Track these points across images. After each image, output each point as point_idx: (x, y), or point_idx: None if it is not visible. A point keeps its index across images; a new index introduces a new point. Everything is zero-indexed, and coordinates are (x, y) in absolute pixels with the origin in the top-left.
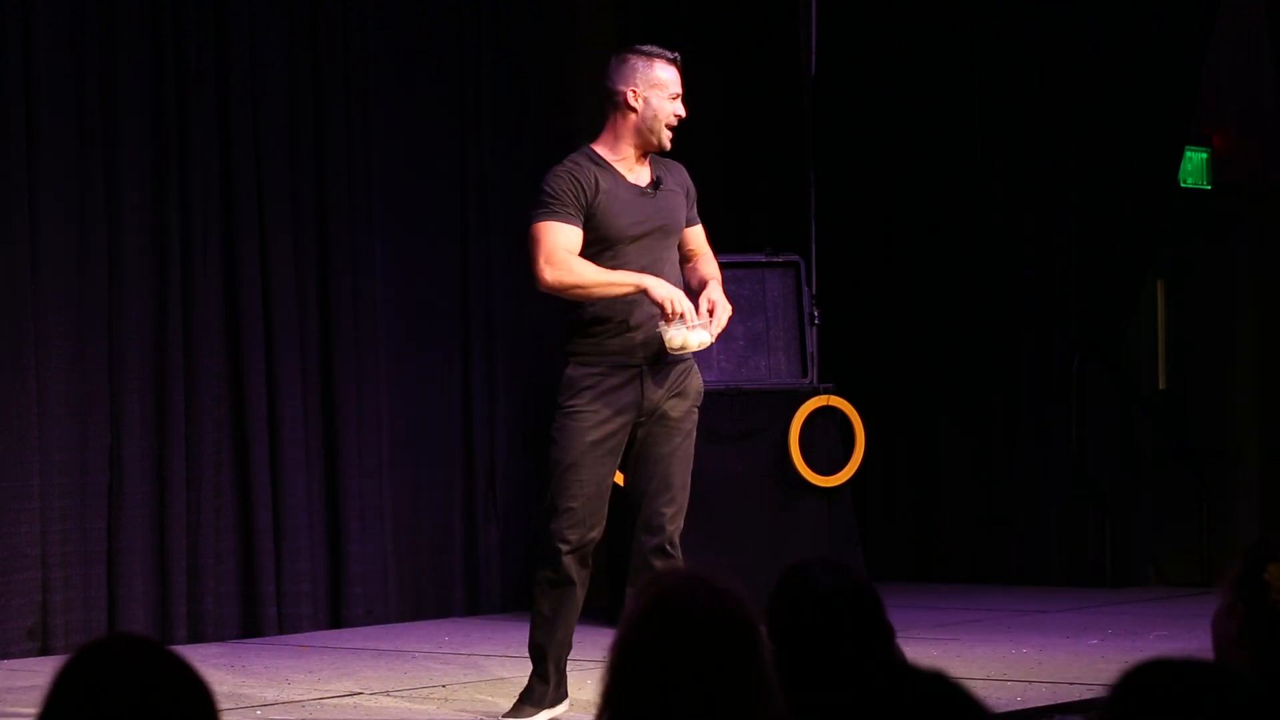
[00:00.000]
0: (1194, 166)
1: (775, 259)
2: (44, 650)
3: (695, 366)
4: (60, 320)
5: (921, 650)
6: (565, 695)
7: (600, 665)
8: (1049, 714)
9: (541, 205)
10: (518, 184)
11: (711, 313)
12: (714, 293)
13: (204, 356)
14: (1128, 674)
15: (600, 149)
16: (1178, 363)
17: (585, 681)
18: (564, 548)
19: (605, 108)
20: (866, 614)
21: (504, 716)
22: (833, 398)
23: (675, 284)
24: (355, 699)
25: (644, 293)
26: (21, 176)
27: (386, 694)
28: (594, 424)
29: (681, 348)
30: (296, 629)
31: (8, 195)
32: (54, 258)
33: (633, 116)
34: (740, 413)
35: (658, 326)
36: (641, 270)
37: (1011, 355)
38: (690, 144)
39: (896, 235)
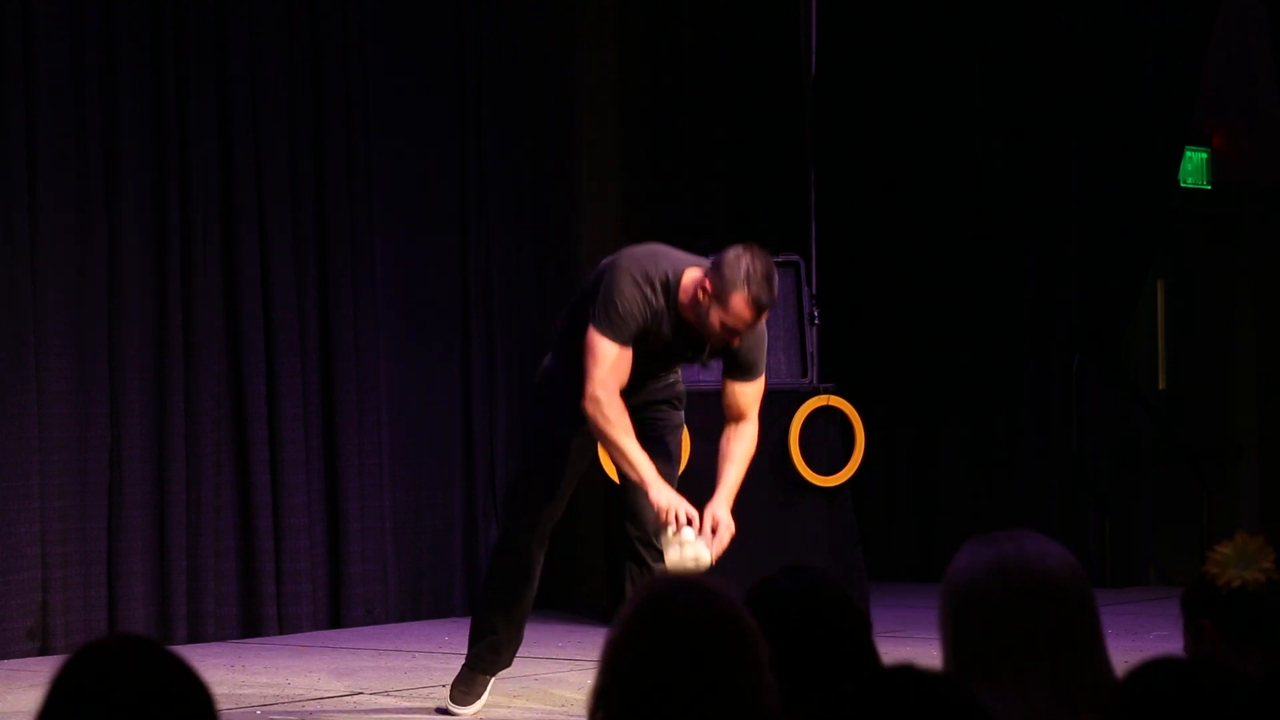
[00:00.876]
0: (1194, 166)
1: (775, 259)
2: (44, 650)
3: (679, 375)
4: (60, 320)
5: (921, 650)
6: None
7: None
8: None
9: (611, 320)
10: (518, 184)
11: (714, 530)
12: (720, 510)
13: (204, 356)
14: (1134, 673)
15: (683, 282)
16: (1178, 363)
17: (586, 681)
18: (530, 531)
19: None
20: (836, 614)
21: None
22: (833, 398)
23: (648, 393)
24: (355, 699)
25: (645, 492)
26: (21, 176)
27: (386, 694)
28: (573, 421)
29: (678, 564)
30: (296, 629)
31: (8, 195)
32: (54, 258)
33: (700, 297)
34: None
35: (661, 535)
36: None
37: (1011, 355)
38: (691, 144)
39: (896, 235)
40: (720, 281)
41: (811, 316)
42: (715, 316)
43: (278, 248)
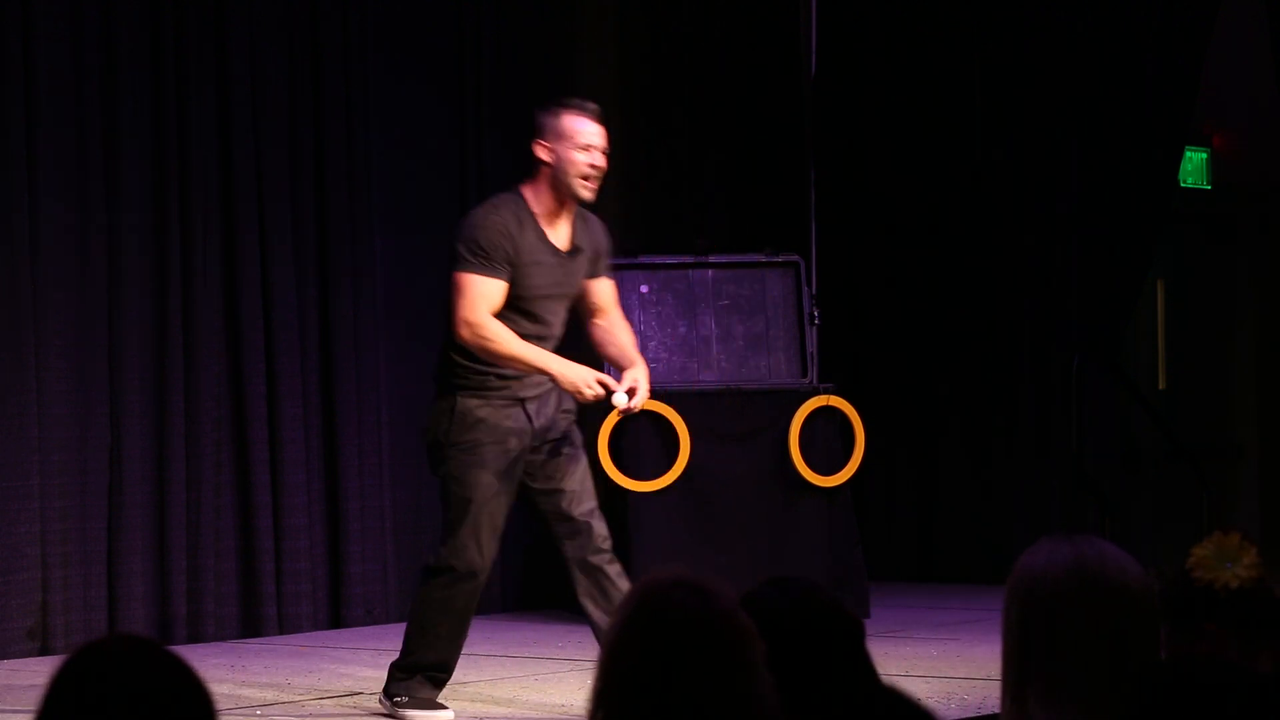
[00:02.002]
0: (1194, 166)
1: (775, 259)
2: (44, 650)
3: None
4: (60, 320)
5: (921, 650)
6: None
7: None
8: None
9: (471, 256)
10: (518, 184)
11: (632, 394)
12: (640, 373)
13: (204, 356)
14: (1147, 673)
15: (529, 196)
16: (1178, 363)
17: (586, 681)
18: (469, 578)
19: (534, 160)
20: (829, 624)
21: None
22: (833, 398)
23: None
24: (355, 699)
25: (553, 378)
26: (21, 176)
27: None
28: (495, 457)
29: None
30: (296, 629)
31: (8, 195)
32: (54, 258)
33: (545, 170)
34: (740, 413)
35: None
36: (541, 327)
37: (1011, 355)
38: (690, 143)
39: (896, 235)
40: (553, 128)
41: (811, 316)
42: (571, 155)
43: (278, 248)
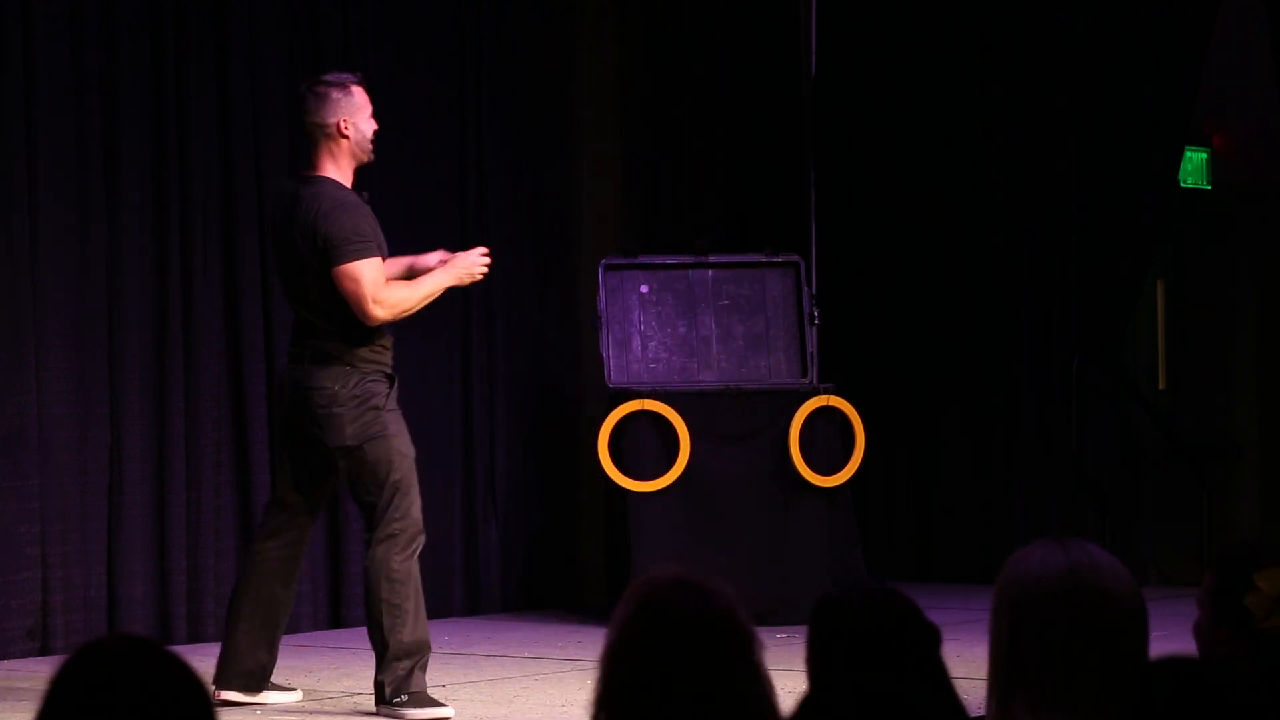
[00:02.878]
0: (1194, 166)
1: (775, 259)
2: (44, 650)
3: None
4: (60, 320)
5: None
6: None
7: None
8: None
9: (359, 244)
10: (518, 184)
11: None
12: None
13: (204, 356)
14: (1148, 673)
15: (337, 178)
16: (1178, 363)
17: (587, 681)
18: (420, 535)
19: (317, 140)
20: (908, 632)
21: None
22: (833, 398)
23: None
24: (355, 699)
25: (456, 285)
26: (21, 176)
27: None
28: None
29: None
30: (296, 629)
31: (8, 195)
32: (54, 258)
33: (345, 143)
34: (740, 413)
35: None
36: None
37: (1011, 355)
38: (691, 144)
39: (896, 235)
40: (339, 105)
41: (811, 316)
42: (363, 124)
43: None
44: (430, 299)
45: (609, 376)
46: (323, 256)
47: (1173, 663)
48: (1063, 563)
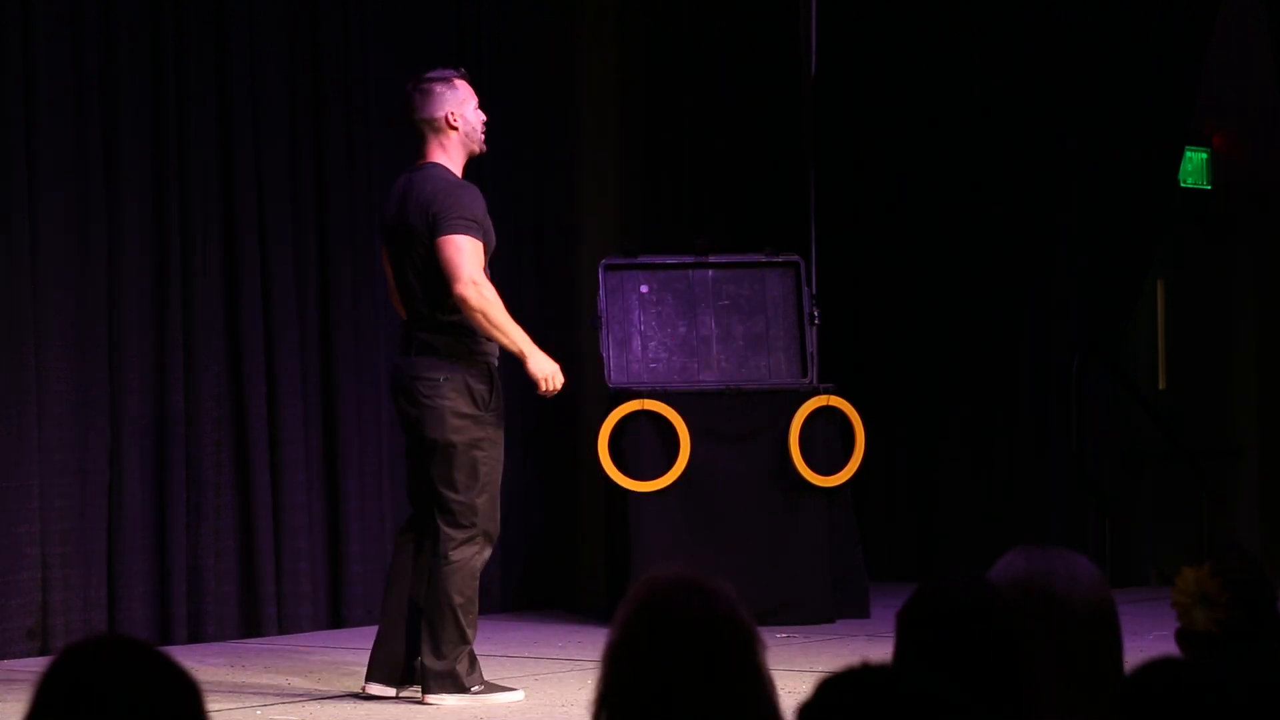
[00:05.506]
0: (1194, 166)
1: (775, 259)
2: (44, 650)
3: None
4: (60, 320)
5: None
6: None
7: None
8: None
9: (467, 221)
10: (518, 183)
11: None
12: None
13: (204, 356)
14: (1135, 674)
15: (450, 166)
16: (1178, 363)
17: (587, 681)
18: (490, 546)
19: (426, 136)
20: (999, 630)
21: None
22: (833, 398)
23: None
24: (355, 699)
25: (525, 361)
26: (21, 176)
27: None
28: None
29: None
30: (296, 629)
31: (8, 195)
32: (54, 258)
33: (455, 135)
34: (740, 413)
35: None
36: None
37: (1011, 355)
38: (691, 144)
39: (896, 235)
40: (445, 99)
41: (811, 316)
42: (470, 114)
43: (278, 248)
44: (507, 341)
45: (609, 376)
46: (431, 229)
47: (1160, 664)
48: (1020, 569)
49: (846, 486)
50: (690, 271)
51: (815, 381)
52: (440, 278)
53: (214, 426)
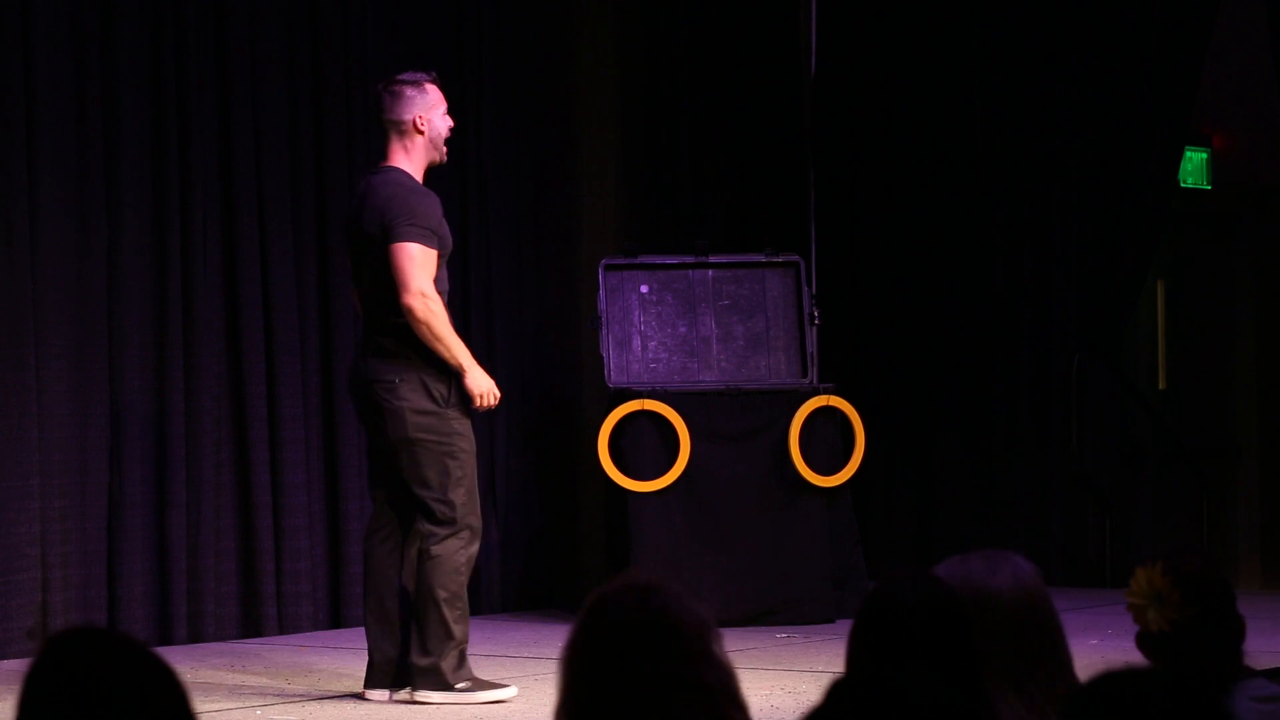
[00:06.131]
0: (1194, 166)
1: (775, 259)
2: None
3: None
4: (60, 320)
5: None
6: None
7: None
8: None
9: (420, 229)
10: (518, 184)
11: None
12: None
13: (204, 356)
14: (1085, 686)
15: (410, 171)
16: (1178, 363)
17: None
18: (478, 537)
19: (391, 137)
20: (953, 626)
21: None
22: (833, 398)
23: None
24: (355, 699)
25: (464, 376)
26: (21, 176)
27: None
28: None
29: None
30: (296, 629)
31: (8, 195)
32: (54, 258)
33: (421, 139)
34: (740, 413)
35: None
36: (443, 288)
37: (1011, 355)
38: (690, 143)
39: (896, 235)
40: (414, 102)
41: (811, 316)
42: (438, 120)
43: (278, 248)
44: (448, 354)
45: (609, 376)
46: (385, 235)
47: (1111, 675)
48: (943, 572)
49: (846, 486)
50: (690, 271)
51: (815, 381)
52: (393, 283)
53: (214, 426)
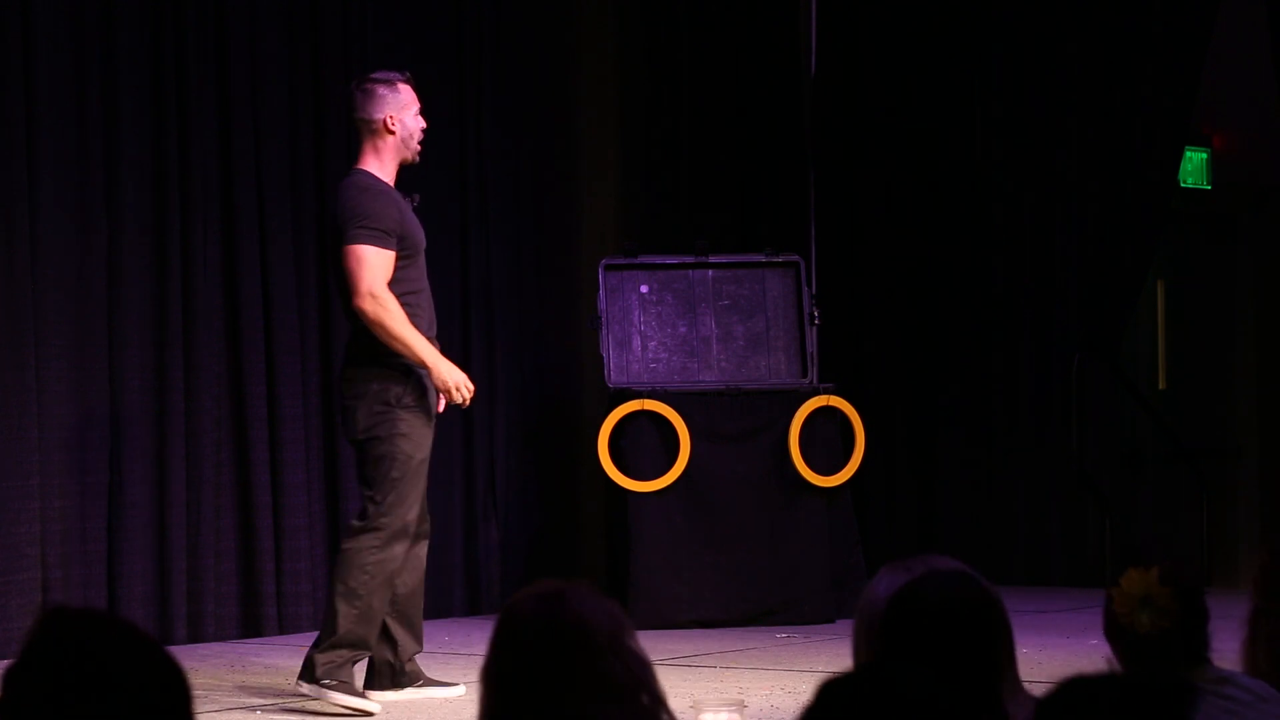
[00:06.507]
0: (1194, 166)
1: (775, 259)
2: None
3: None
4: (60, 319)
5: None
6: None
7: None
8: None
9: (371, 230)
10: (518, 184)
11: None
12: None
13: (204, 356)
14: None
15: (375, 171)
16: (1178, 363)
17: None
18: (403, 542)
19: (363, 136)
20: (983, 625)
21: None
22: (833, 398)
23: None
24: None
25: (430, 371)
26: (21, 176)
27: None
28: (430, 427)
29: None
30: (296, 629)
31: (8, 195)
32: (54, 258)
33: (392, 139)
34: (740, 413)
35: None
36: (418, 286)
37: (1011, 355)
38: (690, 144)
39: (896, 235)
40: (386, 101)
41: (811, 316)
42: (411, 116)
43: (278, 248)
44: (408, 352)
45: (609, 376)
46: (337, 238)
47: (1074, 682)
48: (900, 582)
49: (846, 486)
50: (690, 271)
51: (815, 381)
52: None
53: (214, 426)
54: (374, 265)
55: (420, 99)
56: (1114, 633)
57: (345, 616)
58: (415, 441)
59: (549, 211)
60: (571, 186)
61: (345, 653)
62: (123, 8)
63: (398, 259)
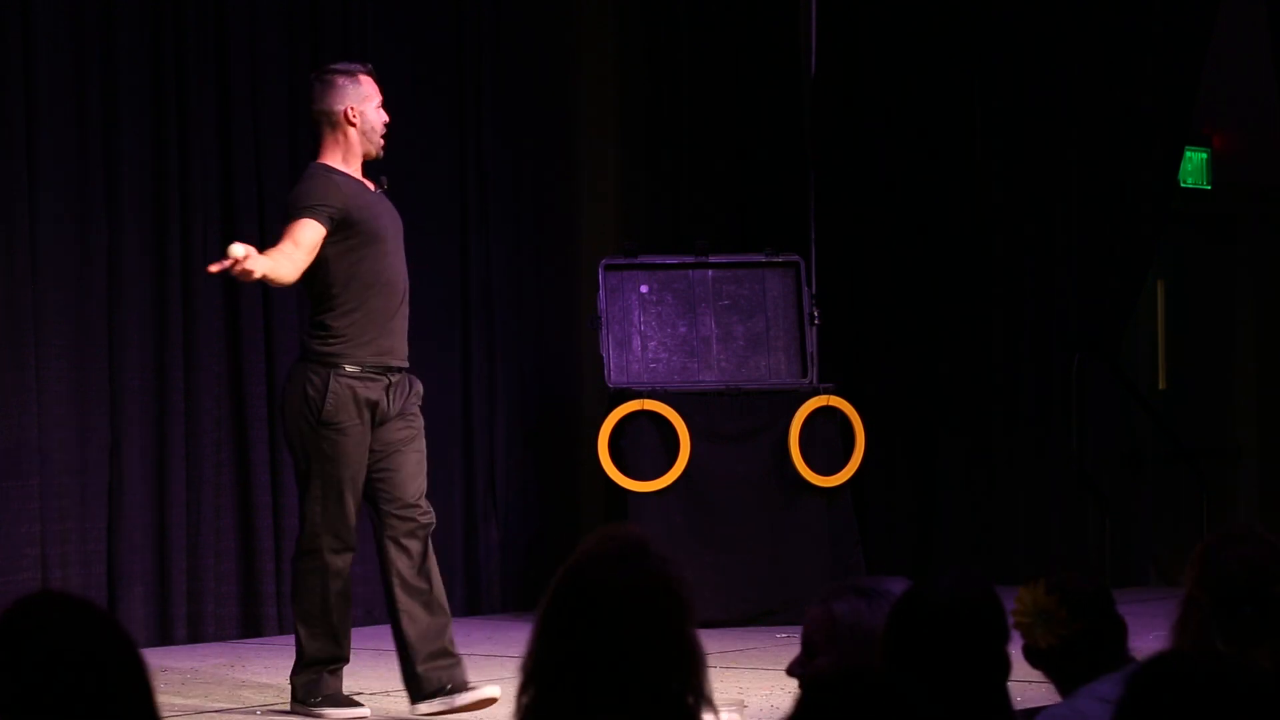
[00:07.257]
0: (1194, 166)
1: (775, 259)
2: None
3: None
4: (60, 320)
5: None
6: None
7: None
8: None
9: (300, 208)
10: (518, 184)
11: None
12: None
13: (204, 356)
14: (1142, 668)
15: (334, 164)
16: (1178, 363)
17: None
18: (344, 554)
19: (323, 129)
20: (983, 625)
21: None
22: (833, 398)
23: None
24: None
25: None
26: (21, 176)
27: (386, 694)
28: (360, 439)
29: None
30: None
31: (8, 195)
32: (54, 258)
33: (353, 131)
34: (740, 413)
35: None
36: (381, 279)
37: (1011, 355)
38: (690, 144)
39: (896, 235)
40: (346, 93)
41: (811, 316)
42: (371, 113)
43: None
44: (275, 274)
45: (609, 376)
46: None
47: (1168, 657)
48: (859, 605)
49: (846, 486)
50: (690, 271)
51: (815, 381)
52: (308, 280)
53: (214, 426)
54: (292, 232)
55: (420, 99)
56: (1028, 653)
57: (307, 637)
58: (332, 459)
59: (549, 211)
60: (571, 186)
61: (318, 669)
62: (123, 8)
63: (349, 245)
